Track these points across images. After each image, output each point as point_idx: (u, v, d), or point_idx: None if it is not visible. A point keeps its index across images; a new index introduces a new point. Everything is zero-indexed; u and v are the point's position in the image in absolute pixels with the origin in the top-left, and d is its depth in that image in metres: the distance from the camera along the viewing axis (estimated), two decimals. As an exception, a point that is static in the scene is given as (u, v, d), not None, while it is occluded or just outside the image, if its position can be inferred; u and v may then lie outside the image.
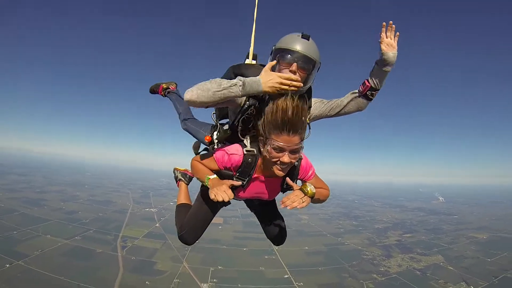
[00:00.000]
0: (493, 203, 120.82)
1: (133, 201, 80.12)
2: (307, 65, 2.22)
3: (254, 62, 2.91)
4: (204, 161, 2.44)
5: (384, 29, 2.39)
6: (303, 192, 2.14)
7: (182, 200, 3.54)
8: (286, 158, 2.06)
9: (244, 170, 2.36)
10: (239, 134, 2.41)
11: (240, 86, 2.09)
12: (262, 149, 2.20)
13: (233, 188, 2.31)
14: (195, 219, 2.96)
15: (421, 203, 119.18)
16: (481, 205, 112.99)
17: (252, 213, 3.34)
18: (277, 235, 3.10)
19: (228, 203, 2.55)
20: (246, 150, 2.31)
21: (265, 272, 41.63)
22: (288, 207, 2.03)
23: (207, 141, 2.80)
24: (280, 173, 2.18)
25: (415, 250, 52.99)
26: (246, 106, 2.35)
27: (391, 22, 2.38)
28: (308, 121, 2.44)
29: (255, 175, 2.43)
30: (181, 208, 3.38)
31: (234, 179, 2.38)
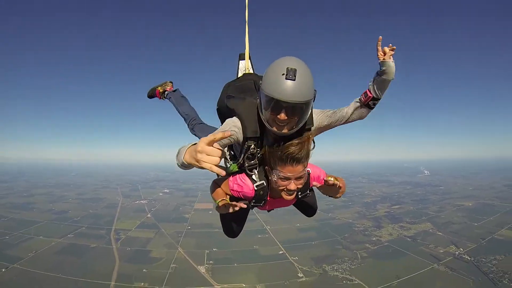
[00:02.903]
0: (474, 174, 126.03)
1: (122, 195, 79.58)
2: (297, 110, 2.10)
3: (250, 66, 3.27)
4: (222, 185, 2.54)
5: (380, 42, 2.39)
6: (327, 184, 2.30)
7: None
8: (292, 185, 2.22)
9: (258, 199, 2.51)
10: (246, 170, 2.45)
11: (177, 155, 1.93)
12: (269, 178, 2.32)
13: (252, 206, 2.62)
14: (230, 220, 3.13)
15: (407, 177, 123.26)
16: (464, 177, 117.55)
17: None
18: (307, 212, 3.32)
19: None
20: (256, 186, 2.42)
21: (260, 250, 42.41)
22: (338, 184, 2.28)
23: None
24: (289, 198, 2.35)
25: (404, 220, 55.05)
26: (246, 146, 2.37)
27: (390, 45, 2.40)
28: (313, 139, 2.45)
29: (269, 198, 2.57)
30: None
31: (251, 204, 2.57)
